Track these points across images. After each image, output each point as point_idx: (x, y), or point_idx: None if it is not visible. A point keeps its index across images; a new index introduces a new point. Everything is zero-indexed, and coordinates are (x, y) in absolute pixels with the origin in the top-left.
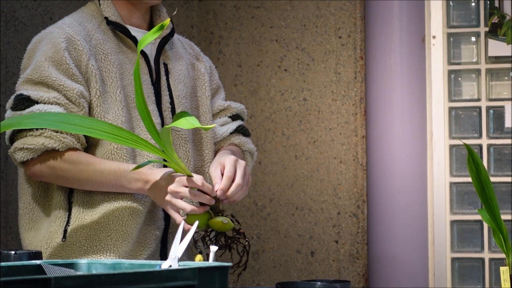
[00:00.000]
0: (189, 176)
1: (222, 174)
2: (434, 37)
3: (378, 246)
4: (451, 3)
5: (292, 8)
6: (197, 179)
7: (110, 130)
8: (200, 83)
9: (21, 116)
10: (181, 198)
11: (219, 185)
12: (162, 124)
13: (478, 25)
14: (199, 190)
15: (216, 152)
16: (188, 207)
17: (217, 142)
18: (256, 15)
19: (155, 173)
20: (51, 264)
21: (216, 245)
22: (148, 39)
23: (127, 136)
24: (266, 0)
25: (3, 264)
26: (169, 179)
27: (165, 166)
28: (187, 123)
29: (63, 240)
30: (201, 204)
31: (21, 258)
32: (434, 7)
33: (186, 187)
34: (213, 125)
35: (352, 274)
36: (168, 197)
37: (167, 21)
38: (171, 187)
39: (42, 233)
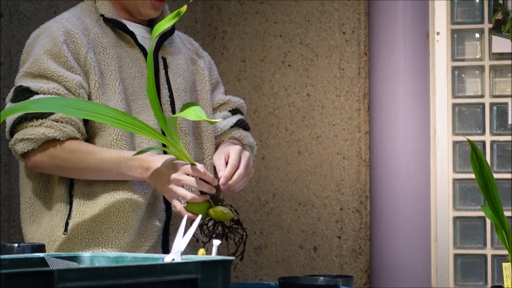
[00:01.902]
0: (192, 164)
1: (226, 163)
2: (438, 33)
3: (380, 242)
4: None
5: (296, 3)
6: (200, 167)
7: (115, 116)
8: (200, 77)
9: (26, 101)
10: (182, 186)
11: (223, 172)
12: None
13: (482, 22)
14: (200, 179)
15: (217, 146)
16: (188, 195)
17: (217, 136)
18: (260, 10)
19: (156, 160)
20: (54, 257)
21: (213, 234)
22: (164, 26)
23: (131, 122)
24: None
25: (6, 256)
26: (171, 166)
27: (165, 153)
28: (194, 114)
29: (65, 233)
30: (202, 193)
31: (24, 251)
32: (438, 4)
33: (188, 175)
34: (219, 119)
35: (355, 270)
36: (169, 185)
37: (184, 7)
38: (173, 175)
39: (44, 227)
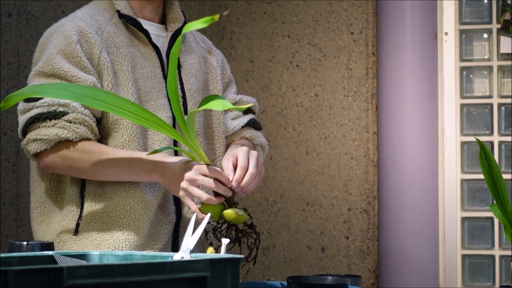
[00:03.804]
0: (208, 164)
1: (234, 166)
2: (446, 33)
3: (388, 242)
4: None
5: (304, 3)
6: (216, 168)
7: (134, 111)
8: (212, 76)
9: (46, 84)
10: (198, 187)
11: (232, 177)
12: (173, 118)
13: (490, 22)
14: (216, 179)
15: (227, 146)
16: (204, 195)
17: (229, 136)
18: (268, 11)
19: (171, 161)
20: (63, 255)
21: (227, 237)
22: (193, 26)
23: (150, 119)
24: None
25: (15, 254)
26: (185, 166)
27: (176, 154)
28: (220, 105)
29: (75, 234)
30: (216, 194)
31: (33, 249)
32: (446, 4)
33: (204, 175)
34: (250, 105)
35: (363, 270)
36: (184, 184)
37: (217, 16)
38: (189, 174)
39: (54, 227)
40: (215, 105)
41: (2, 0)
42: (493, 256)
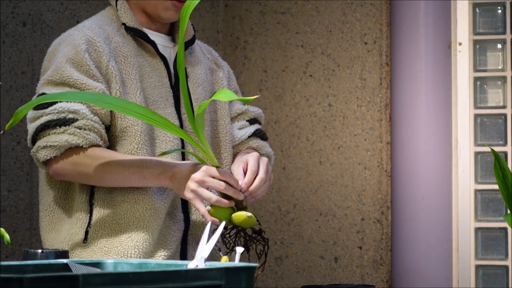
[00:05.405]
0: (217, 166)
1: (245, 172)
2: (460, 43)
3: (402, 252)
4: (477, 10)
5: (318, 13)
6: (225, 170)
7: (144, 112)
8: (219, 87)
9: (56, 93)
10: (207, 188)
11: (242, 181)
12: (181, 127)
13: (504, 32)
14: (225, 182)
15: (234, 156)
16: (214, 197)
17: (235, 146)
18: (281, 21)
19: (180, 164)
20: (77, 263)
21: (236, 243)
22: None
23: (159, 120)
24: (292, 6)
25: (30, 262)
26: (194, 168)
27: (183, 158)
28: (226, 96)
29: (84, 241)
30: (225, 198)
31: (47, 257)
32: (460, 14)
33: (213, 177)
34: (256, 96)
35: (376, 281)
36: (194, 186)
37: None
38: (198, 176)
39: (63, 235)
40: (220, 96)
41: (17, 10)
42: (506, 267)
